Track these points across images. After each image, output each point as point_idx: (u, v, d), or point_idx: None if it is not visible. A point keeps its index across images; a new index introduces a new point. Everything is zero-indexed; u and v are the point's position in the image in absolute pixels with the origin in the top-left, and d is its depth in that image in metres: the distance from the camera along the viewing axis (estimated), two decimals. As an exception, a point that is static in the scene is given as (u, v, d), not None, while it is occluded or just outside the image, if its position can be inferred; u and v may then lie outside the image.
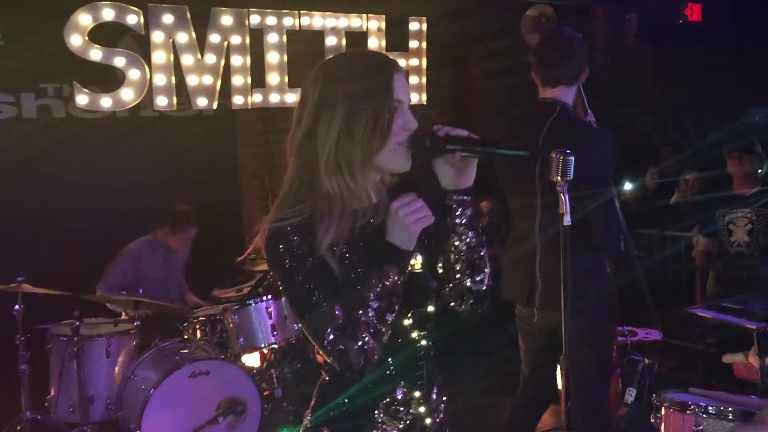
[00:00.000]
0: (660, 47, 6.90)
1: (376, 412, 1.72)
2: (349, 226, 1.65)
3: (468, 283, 1.78)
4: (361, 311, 1.57)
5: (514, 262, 3.19)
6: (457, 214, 1.74)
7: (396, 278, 1.59)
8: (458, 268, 1.77)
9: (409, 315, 1.74)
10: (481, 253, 1.77)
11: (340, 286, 1.62)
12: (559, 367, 2.64)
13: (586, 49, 3.15)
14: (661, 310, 4.93)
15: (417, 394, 1.76)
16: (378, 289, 1.58)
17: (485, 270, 1.79)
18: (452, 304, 1.83)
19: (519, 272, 3.15)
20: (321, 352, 1.65)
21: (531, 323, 3.18)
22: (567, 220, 2.49)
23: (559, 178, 2.50)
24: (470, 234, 1.75)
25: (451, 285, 1.81)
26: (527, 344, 3.31)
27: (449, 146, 1.67)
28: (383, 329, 1.59)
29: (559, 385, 2.71)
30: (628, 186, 5.76)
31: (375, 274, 1.59)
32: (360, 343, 1.56)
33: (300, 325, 1.71)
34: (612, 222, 3.06)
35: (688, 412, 2.70)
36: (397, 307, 1.61)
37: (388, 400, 1.72)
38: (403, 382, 1.73)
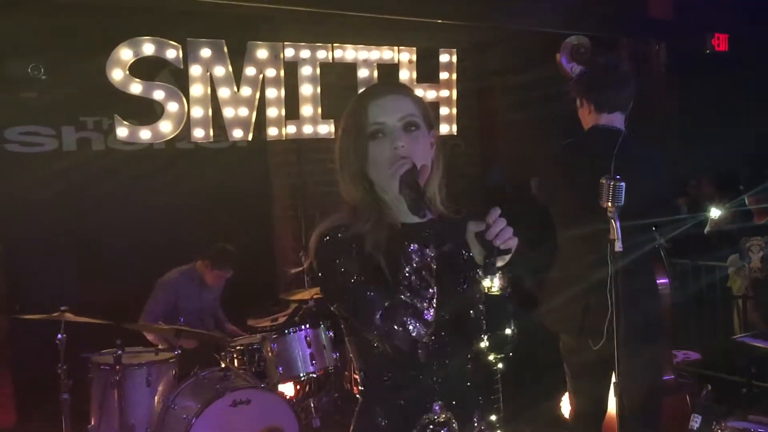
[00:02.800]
0: (687, 77, 6.93)
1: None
2: (384, 233, 1.71)
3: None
4: (400, 294, 1.61)
5: (566, 292, 2.97)
6: None
7: (421, 253, 1.63)
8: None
9: (486, 338, 1.77)
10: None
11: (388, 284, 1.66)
12: (613, 393, 2.65)
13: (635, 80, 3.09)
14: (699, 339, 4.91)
15: (493, 417, 1.79)
16: (408, 269, 1.62)
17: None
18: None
19: (571, 302, 2.93)
20: (372, 335, 1.67)
21: (586, 354, 2.94)
22: (618, 246, 2.54)
23: (609, 204, 2.55)
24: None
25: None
26: (580, 379, 3.09)
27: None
28: (424, 305, 1.61)
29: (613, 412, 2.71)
30: (714, 213, 5.74)
31: (403, 258, 1.63)
32: (405, 319, 1.60)
33: (350, 316, 1.72)
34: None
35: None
36: (434, 281, 1.63)
37: (426, 418, 1.70)
38: (441, 402, 1.71)
